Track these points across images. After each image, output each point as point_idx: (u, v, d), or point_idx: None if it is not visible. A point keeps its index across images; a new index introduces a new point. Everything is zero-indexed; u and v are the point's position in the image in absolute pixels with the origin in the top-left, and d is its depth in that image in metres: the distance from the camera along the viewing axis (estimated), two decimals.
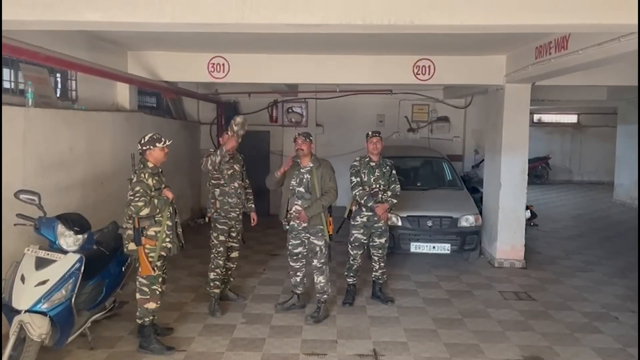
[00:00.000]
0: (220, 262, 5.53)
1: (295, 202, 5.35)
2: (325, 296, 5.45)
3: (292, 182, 5.36)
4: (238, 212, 5.60)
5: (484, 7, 3.47)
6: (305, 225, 5.33)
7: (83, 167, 5.85)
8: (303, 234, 5.43)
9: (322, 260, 5.38)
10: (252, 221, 5.85)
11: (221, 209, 5.48)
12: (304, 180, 5.33)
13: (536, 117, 18.03)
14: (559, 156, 18.14)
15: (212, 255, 5.54)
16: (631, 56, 5.10)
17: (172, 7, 3.46)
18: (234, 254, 5.78)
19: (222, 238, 5.52)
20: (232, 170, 5.53)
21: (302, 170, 5.35)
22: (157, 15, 3.47)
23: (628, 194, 13.36)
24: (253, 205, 5.85)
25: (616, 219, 11.73)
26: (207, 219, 5.72)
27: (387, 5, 3.43)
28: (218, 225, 5.51)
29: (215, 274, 5.50)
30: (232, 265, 5.82)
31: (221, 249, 5.52)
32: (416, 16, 3.45)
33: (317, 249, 5.37)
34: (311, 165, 5.33)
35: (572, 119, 18.37)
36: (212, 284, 5.52)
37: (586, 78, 7.14)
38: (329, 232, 5.36)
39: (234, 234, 5.67)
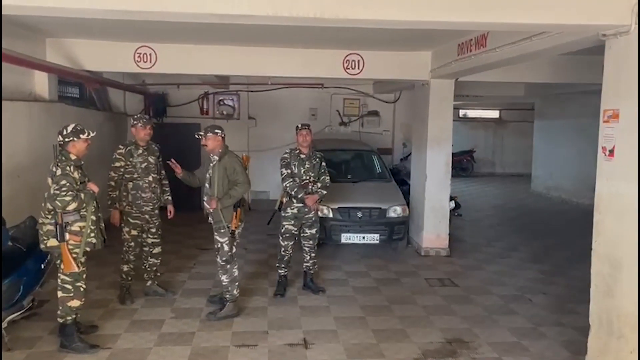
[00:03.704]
0: (132, 257, 5.43)
1: (203, 199, 5.26)
2: (228, 295, 5.23)
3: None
4: (152, 207, 5.44)
5: (407, 3, 3.58)
6: (211, 221, 5.17)
7: None
8: None
9: (224, 258, 5.17)
10: (168, 214, 5.71)
11: (133, 203, 5.31)
12: (208, 175, 5.18)
13: (462, 112, 18.84)
14: (483, 150, 19.07)
15: (124, 249, 5.41)
16: (544, 54, 5.48)
17: None
18: (157, 250, 5.63)
19: (134, 233, 5.39)
20: (146, 163, 5.35)
21: (210, 165, 5.18)
22: (73, 1, 3.32)
23: (543, 184, 14.29)
24: (170, 198, 5.70)
25: (532, 208, 12.52)
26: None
27: None
28: (130, 220, 5.35)
29: (128, 267, 5.42)
30: (156, 261, 5.67)
31: (132, 244, 5.40)
32: (341, 10, 3.50)
33: (218, 245, 5.18)
34: (216, 159, 5.13)
35: (494, 114, 19.35)
36: (124, 276, 5.44)
37: (505, 75, 7.52)
38: (232, 226, 5.11)
39: (153, 230, 5.52)
